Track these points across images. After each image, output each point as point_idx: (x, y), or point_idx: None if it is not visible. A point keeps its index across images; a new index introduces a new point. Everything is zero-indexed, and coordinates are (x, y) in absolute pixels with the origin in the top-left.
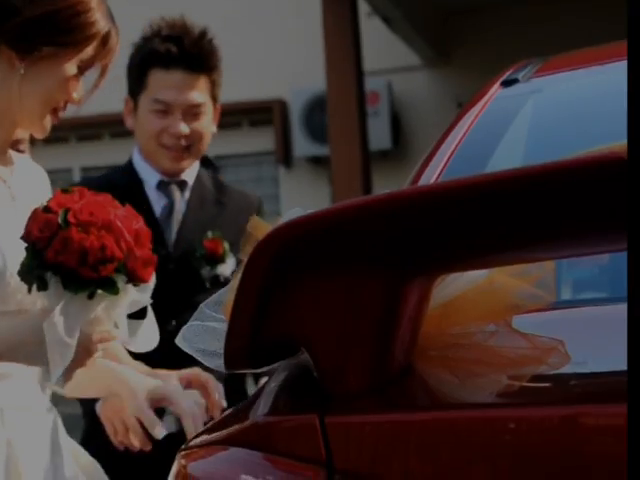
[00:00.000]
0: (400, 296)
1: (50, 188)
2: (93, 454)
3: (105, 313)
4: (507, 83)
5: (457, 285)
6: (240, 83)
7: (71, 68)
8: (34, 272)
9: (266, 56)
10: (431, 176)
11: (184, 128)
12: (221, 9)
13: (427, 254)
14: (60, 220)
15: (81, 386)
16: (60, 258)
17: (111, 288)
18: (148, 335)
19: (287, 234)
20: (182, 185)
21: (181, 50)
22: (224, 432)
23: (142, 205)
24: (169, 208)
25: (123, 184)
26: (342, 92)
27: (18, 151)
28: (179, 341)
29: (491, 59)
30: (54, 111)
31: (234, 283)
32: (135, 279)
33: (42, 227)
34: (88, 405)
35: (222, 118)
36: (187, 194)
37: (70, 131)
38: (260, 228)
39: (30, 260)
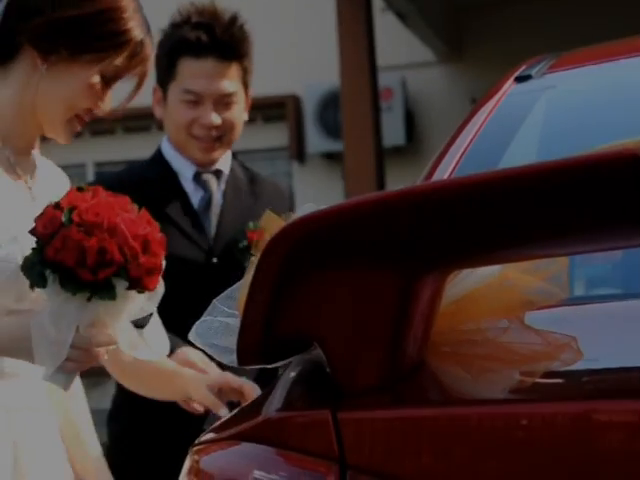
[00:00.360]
0: (413, 292)
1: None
2: (116, 432)
3: (108, 317)
4: (521, 79)
5: (470, 281)
6: (254, 79)
7: (94, 75)
8: (35, 268)
9: (280, 52)
10: (445, 172)
11: (215, 118)
12: (234, 5)
13: (440, 250)
14: (64, 218)
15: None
16: (59, 256)
17: (108, 293)
18: (156, 343)
19: (300, 230)
20: (218, 175)
21: (212, 38)
22: (237, 427)
23: (179, 197)
24: (207, 200)
25: (156, 177)
26: (356, 88)
27: None
28: (192, 336)
29: (505, 55)
30: (79, 118)
31: (247, 278)
32: (138, 286)
33: (46, 223)
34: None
35: None
36: (222, 185)
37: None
38: (273, 223)
39: (34, 256)
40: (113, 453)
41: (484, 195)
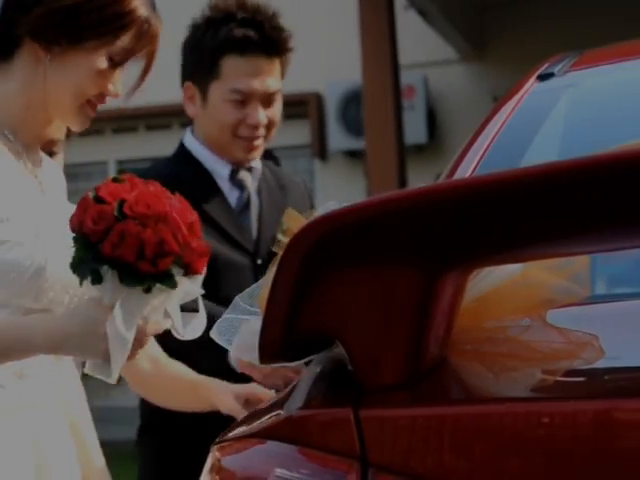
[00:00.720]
0: (434, 290)
1: (65, 187)
2: (148, 445)
3: (162, 306)
4: (543, 77)
5: (492, 279)
6: None
7: (101, 60)
8: (88, 265)
9: (302, 49)
10: (467, 170)
11: (263, 118)
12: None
13: (462, 248)
14: (116, 212)
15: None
16: (117, 252)
17: (169, 282)
18: (197, 323)
19: (322, 227)
20: (252, 173)
21: (260, 35)
22: (258, 425)
23: (217, 198)
24: (245, 199)
25: (190, 176)
26: (378, 85)
27: (51, 153)
28: (214, 334)
29: (527, 53)
30: (90, 104)
31: (269, 276)
32: (190, 271)
33: (96, 219)
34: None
35: None
36: (255, 183)
37: (105, 123)
38: (296, 221)
39: (84, 253)
40: (157, 469)
41: (506, 193)
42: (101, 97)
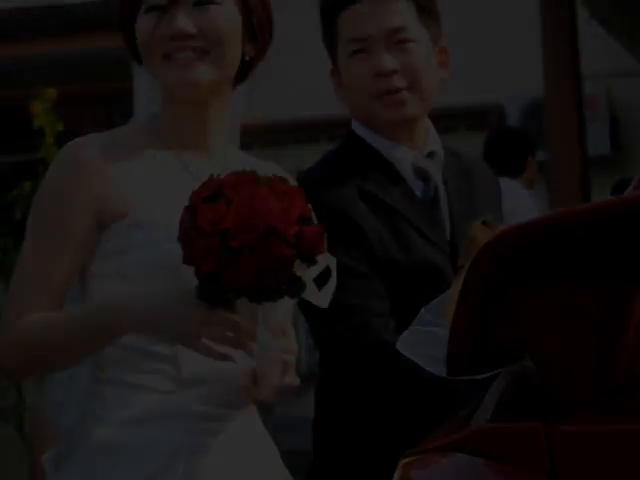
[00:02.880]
0: (626, 303)
1: None
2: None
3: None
4: None
5: None
6: (457, 87)
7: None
8: (215, 297)
9: (483, 61)
10: None
11: (389, 63)
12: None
13: None
14: (222, 250)
15: None
16: (237, 283)
17: (299, 286)
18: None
19: (510, 240)
20: (433, 159)
21: None
22: (446, 438)
23: (404, 191)
24: (432, 192)
25: (366, 167)
26: (560, 97)
27: None
28: (400, 346)
29: None
30: (172, 53)
31: (455, 289)
32: (313, 261)
33: (203, 257)
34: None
35: (438, 122)
36: (439, 171)
37: (254, 138)
38: (483, 233)
39: (206, 286)
40: None
41: None
42: (176, 40)
